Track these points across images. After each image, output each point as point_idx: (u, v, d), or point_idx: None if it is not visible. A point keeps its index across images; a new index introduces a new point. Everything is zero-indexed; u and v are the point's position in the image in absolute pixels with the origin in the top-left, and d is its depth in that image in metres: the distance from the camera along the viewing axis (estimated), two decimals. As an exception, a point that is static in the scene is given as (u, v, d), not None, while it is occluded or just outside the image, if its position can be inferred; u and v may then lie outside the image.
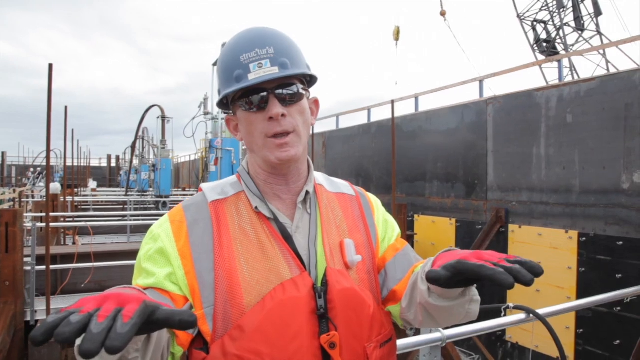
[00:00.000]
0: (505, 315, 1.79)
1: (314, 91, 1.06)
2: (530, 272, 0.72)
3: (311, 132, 1.10)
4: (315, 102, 1.07)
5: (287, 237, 0.96)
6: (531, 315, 1.67)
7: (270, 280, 0.91)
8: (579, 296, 5.39)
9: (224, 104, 1.03)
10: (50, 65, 4.65)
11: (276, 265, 0.93)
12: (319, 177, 1.12)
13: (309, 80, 1.03)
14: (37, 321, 4.95)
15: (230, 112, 1.04)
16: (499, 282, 0.71)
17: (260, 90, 0.93)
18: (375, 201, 1.16)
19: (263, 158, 0.98)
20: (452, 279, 0.77)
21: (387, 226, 1.12)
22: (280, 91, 0.94)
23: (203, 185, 1.06)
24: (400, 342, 1.39)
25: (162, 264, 0.93)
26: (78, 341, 0.55)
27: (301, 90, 0.97)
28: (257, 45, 0.94)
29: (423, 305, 0.94)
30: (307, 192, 1.02)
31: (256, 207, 0.98)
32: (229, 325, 0.89)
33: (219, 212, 0.98)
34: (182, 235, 0.95)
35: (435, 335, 1.47)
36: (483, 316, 1.74)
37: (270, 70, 0.92)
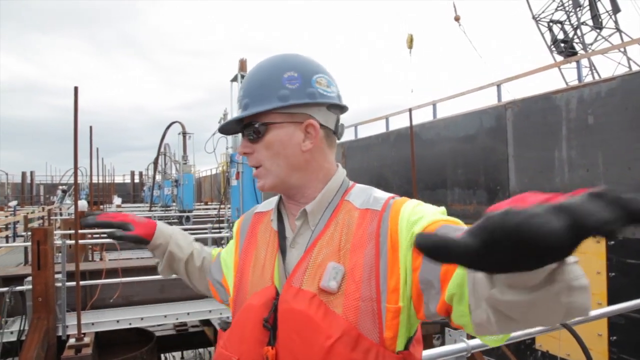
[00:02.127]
0: (530, 323, 1.79)
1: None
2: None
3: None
4: (307, 126, 1.03)
5: (283, 251, 1.05)
6: (557, 323, 1.66)
7: (258, 286, 1.05)
8: (610, 302, 5.28)
9: None
10: (76, 88, 4.80)
11: (265, 274, 1.04)
12: (356, 193, 1.07)
13: (308, 105, 1.03)
14: (68, 336, 5.07)
15: None
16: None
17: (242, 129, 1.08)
18: (403, 207, 0.96)
19: None
20: (480, 255, 0.46)
21: (410, 226, 0.91)
22: (245, 131, 1.06)
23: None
24: (422, 353, 1.39)
25: (230, 248, 1.22)
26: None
27: (261, 127, 1.02)
28: (243, 85, 1.09)
29: (490, 302, 0.64)
30: (305, 211, 1.03)
31: (272, 220, 1.11)
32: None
33: (256, 223, 1.16)
34: (238, 235, 1.19)
35: (460, 345, 1.48)
36: (508, 325, 1.74)
37: (238, 113, 1.06)
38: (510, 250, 0.45)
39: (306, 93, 1.02)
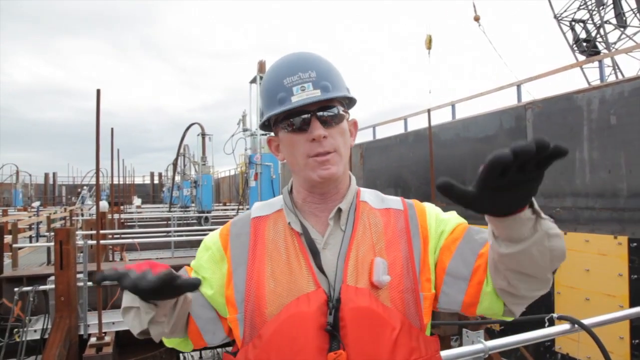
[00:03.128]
0: (550, 325, 1.77)
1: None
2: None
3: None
4: (354, 124, 1.11)
5: (315, 253, 0.99)
6: (576, 325, 1.64)
7: (291, 293, 0.96)
8: (632, 304, 5.16)
9: (265, 125, 1.09)
10: (98, 91, 4.89)
11: (298, 279, 0.97)
12: (367, 194, 1.12)
13: (348, 102, 1.08)
14: (89, 335, 5.16)
15: (271, 133, 1.09)
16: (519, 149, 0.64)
17: (302, 112, 0.98)
18: (427, 206, 1.10)
19: (304, 177, 1.02)
20: (483, 187, 0.70)
21: (439, 225, 1.06)
22: (321, 113, 0.98)
23: (255, 204, 1.15)
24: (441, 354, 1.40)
25: (208, 271, 1.07)
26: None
27: (342, 112, 1.02)
28: (300, 69, 0.99)
29: (503, 265, 0.87)
30: (340, 209, 1.03)
31: (289, 223, 1.04)
32: (254, 334, 0.96)
33: (257, 228, 1.06)
34: (227, 247, 1.06)
35: (478, 346, 1.47)
36: (527, 326, 1.72)
37: (313, 93, 0.96)
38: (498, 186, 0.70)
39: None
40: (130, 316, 0.97)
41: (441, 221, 1.06)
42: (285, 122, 1.00)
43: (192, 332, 1.07)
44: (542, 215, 0.81)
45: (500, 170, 0.67)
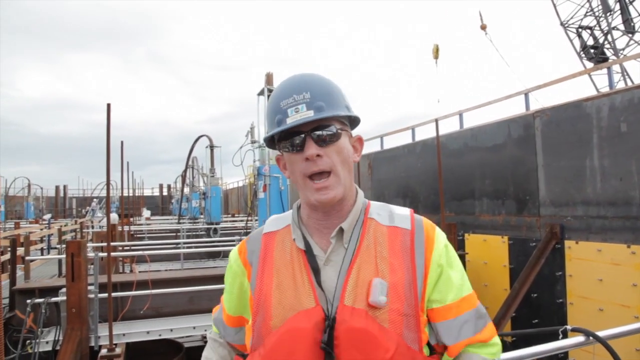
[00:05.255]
0: (563, 337, 1.75)
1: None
2: None
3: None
4: (359, 140, 1.14)
5: (315, 270, 1.02)
6: (591, 337, 1.62)
7: (294, 307, 1.00)
8: (647, 315, 5.08)
9: (272, 144, 1.13)
10: (109, 105, 4.96)
11: (301, 294, 1.01)
12: (376, 209, 1.12)
13: (353, 120, 1.12)
14: (100, 346, 5.18)
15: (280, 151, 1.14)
16: None
17: (298, 132, 1.02)
18: (437, 239, 1.07)
19: (305, 197, 1.07)
20: None
21: (440, 274, 1.05)
22: (316, 133, 1.02)
23: (269, 218, 1.20)
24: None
25: (234, 287, 1.15)
26: None
27: (338, 131, 1.04)
28: (295, 91, 1.03)
29: None
30: (341, 229, 1.05)
31: (294, 239, 1.07)
32: (260, 342, 1.02)
33: (267, 243, 1.11)
34: (247, 264, 1.12)
35: (491, 359, 1.45)
36: (540, 338, 1.70)
37: (306, 114, 1.01)
38: None
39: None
40: None
41: (445, 265, 1.05)
42: (284, 142, 1.05)
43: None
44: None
45: None
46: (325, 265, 1.03)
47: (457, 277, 1.06)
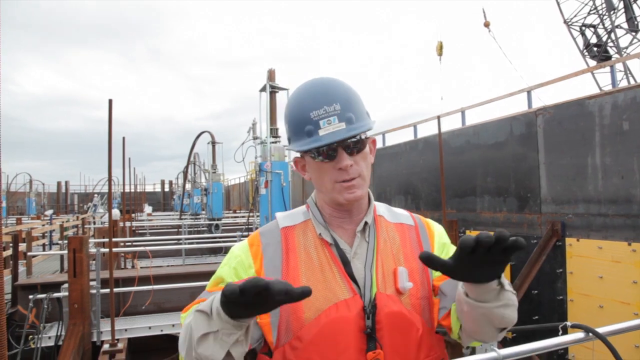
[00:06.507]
0: (563, 333, 1.75)
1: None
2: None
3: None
4: (373, 142, 1.20)
5: (346, 262, 1.10)
6: (590, 334, 1.62)
7: (327, 299, 1.05)
8: (647, 312, 5.09)
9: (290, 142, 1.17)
10: (110, 101, 4.96)
11: (333, 286, 1.07)
12: (381, 208, 1.24)
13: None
14: (102, 342, 5.20)
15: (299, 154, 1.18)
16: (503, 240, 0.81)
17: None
18: (434, 228, 1.25)
19: (331, 199, 1.12)
20: (459, 261, 0.86)
21: (443, 249, 1.22)
22: (348, 144, 1.07)
23: (277, 214, 1.24)
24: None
25: (236, 278, 1.12)
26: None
27: (363, 139, 1.10)
28: (324, 102, 1.06)
29: (466, 312, 1.02)
30: (366, 223, 1.15)
31: (320, 234, 1.13)
32: (290, 336, 1.04)
33: (288, 237, 1.15)
34: (259, 256, 1.13)
35: (491, 354, 1.46)
36: (541, 335, 1.71)
37: (339, 126, 1.05)
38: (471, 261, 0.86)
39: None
40: (209, 342, 0.91)
41: (445, 248, 1.23)
42: (312, 151, 1.08)
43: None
44: (506, 287, 0.98)
45: (468, 251, 0.83)
46: (353, 258, 1.11)
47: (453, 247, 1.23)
